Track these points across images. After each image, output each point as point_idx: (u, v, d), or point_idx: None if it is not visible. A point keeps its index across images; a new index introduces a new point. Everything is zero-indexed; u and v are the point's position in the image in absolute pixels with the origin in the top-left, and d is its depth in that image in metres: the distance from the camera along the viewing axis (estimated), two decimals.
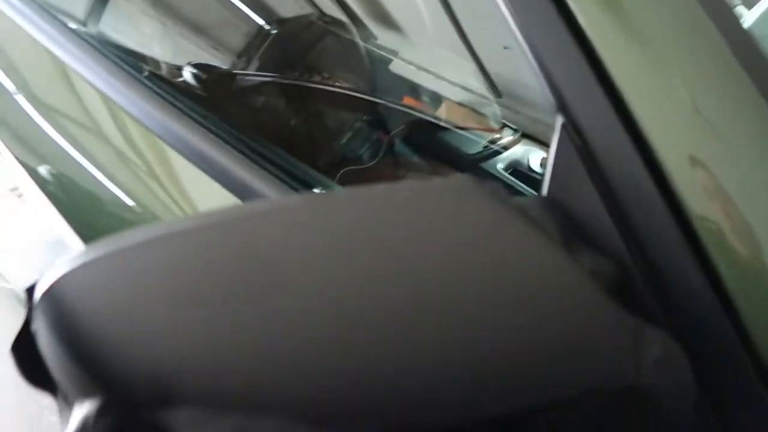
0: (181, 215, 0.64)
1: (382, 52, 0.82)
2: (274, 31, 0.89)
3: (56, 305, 0.27)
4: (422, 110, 0.78)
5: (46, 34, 0.80)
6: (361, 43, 0.86)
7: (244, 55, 0.90)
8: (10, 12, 0.79)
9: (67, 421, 0.30)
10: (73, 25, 0.83)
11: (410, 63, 0.78)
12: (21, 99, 0.84)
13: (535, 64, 0.39)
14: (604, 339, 0.29)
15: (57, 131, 0.79)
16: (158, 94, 0.73)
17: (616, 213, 0.36)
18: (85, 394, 0.27)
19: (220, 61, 0.89)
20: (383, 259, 0.28)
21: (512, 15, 0.38)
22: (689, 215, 0.34)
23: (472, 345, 0.27)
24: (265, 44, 0.90)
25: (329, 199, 0.31)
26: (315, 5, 0.90)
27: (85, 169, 0.75)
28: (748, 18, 0.82)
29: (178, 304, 0.25)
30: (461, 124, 0.75)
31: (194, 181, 0.64)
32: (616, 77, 0.36)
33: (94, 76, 0.78)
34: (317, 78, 0.86)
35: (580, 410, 0.29)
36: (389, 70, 0.80)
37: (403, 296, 0.27)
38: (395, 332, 0.26)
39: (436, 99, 0.79)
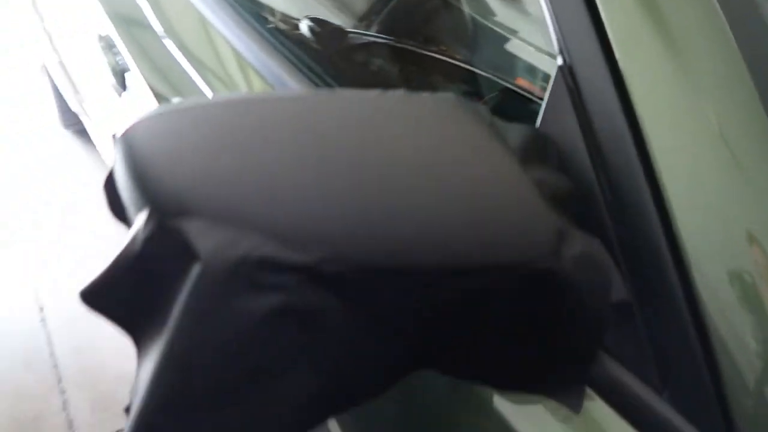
0: None
1: (501, 30, 0.80)
2: None
3: (129, 144, 0.38)
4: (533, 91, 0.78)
5: None
6: (480, 19, 0.86)
7: (365, 18, 0.97)
8: None
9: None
10: None
11: (529, 44, 0.78)
12: (168, 42, 0.99)
13: (548, 13, 0.44)
14: (531, 224, 0.35)
15: (194, 73, 0.92)
16: (275, 45, 0.84)
17: (592, 146, 0.41)
18: (140, 210, 0.38)
19: (340, 19, 0.96)
20: (377, 143, 0.37)
21: None
22: (652, 149, 0.38)
23: (426, 206, 0.35)
24: (386, 9, 0.96)
25: (350, 95, 0.41)
26: None
27: None
28: None
29: (224, 145, 0.35)
30: None
31: None
32: (611, 33, 0.41)
33: (225, 29, 0.91)
34: (431, 48, 0.92)
35: (502, 287, 0.35)
36: (505, 48, 0.79)
37: (387, 169, 0.36)
38: (380, 187, 0.35)
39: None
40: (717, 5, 0.39)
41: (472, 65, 0.84)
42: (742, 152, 0.37)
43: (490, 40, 0.84)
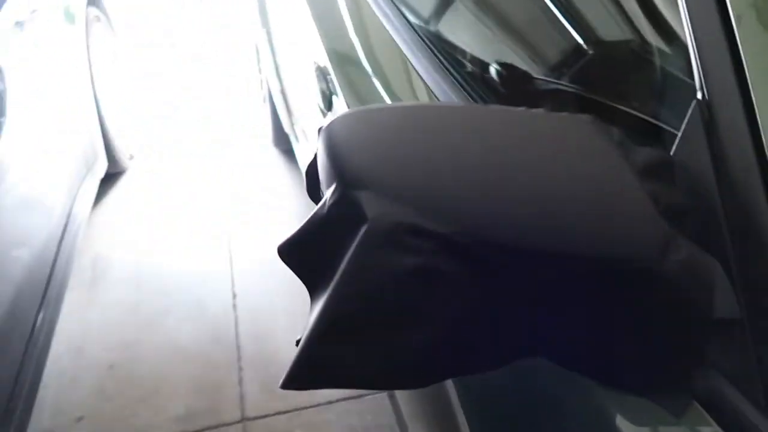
0: None
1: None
2: (591, 53, 0.95)
3: (329, 133, 0.51)
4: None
5: (394, 28, 1.09)
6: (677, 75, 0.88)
7: (556, 69, 0.98)
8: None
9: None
10: (416, 22, 1.09)
11: None
12: (373, 78, 1.13)
13: (692, 51, 0.49)
14: (642, 228, 0.40)
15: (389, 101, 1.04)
16: (463, 85, 0.92)
17: (721, 173, 0.45)
18: (331, 185, 0.50)
19: (530, 67, 1.00)
20: (519, 148, 0.46)
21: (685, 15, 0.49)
22: None
23: (552, 200, 0.42)
24: (579, 63, 0.96)
25: (512, 114, 0.50)
26: (639, 33, 0.94)
27: None
28: None
29: (404, 140, 0.47)
30: None
31: None
32: (749, 72, 0.45)
33: (422, 69, 1.03)
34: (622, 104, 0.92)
35: (609, 280, 0.41)
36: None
37: (524, 168, 0.44)
38: (515, 180, 0.43)
39: None
40: None
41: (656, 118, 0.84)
42: None
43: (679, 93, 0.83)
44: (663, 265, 0.40)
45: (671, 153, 0.49)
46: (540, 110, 0.49)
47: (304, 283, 0.55)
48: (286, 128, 2.28)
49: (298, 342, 0.53)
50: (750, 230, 0.42)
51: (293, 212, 2.41)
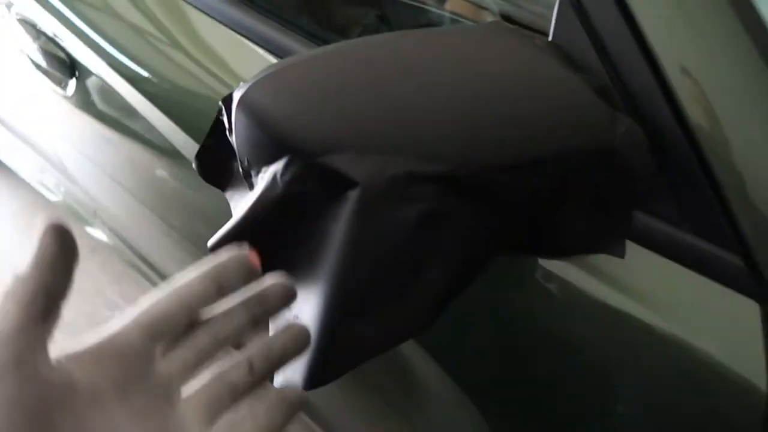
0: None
1: None
2: None
3: (250, 104, 0.43)
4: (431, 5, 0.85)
5: None
6: None
7: None
8: None
9: (254, 186, 0.46)
10: None
11: None
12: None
13: None
14: (589, 113, 0.45)
15: None
16: None
17: (600, 49, 0.52)
18: (272, 161, 0.44)
19: None
20: (449, 71, 0.45)
21: None
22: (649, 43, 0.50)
23: (515, 115, 0.44)
24: None
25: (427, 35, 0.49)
26: None
27: None
28: None
29: (341, 88, 0.42)
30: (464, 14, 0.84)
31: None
32: None
33: None
34: None
35: (575, 164, 0.46)
36: None
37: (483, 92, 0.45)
38: (482, 107, 0.44)
39: None
40: None
41: None
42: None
43: None
44: (616, 139, 0.46)
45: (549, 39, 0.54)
46: (451, 27, 0.49)
47: None
48: None
49: None
50: (639, 94, 0.50)
51: None
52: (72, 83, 1.00)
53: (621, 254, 0.52)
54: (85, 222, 1.45)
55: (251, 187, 0.47)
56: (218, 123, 0.49)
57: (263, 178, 0.44)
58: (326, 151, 0.41)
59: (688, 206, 0.50)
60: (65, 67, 0.99)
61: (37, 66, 1.06)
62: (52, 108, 1.15)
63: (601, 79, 0.50)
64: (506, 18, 0.72)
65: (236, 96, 0.44)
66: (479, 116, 0.43)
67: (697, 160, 0.49)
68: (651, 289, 0.53)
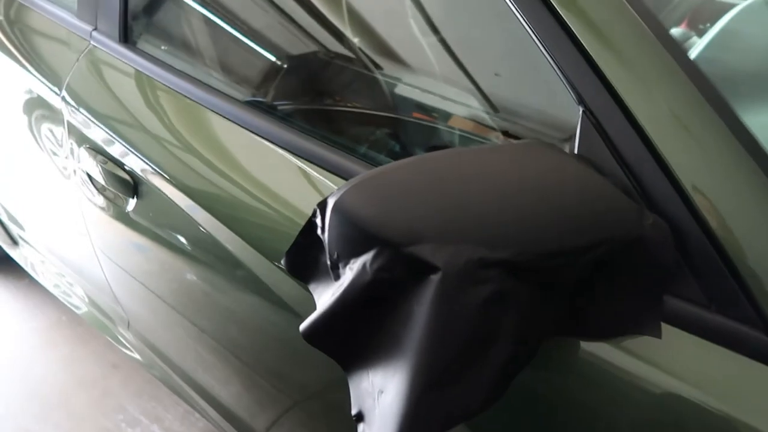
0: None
1: (387, 78, 0.95)
2: (285, 66, 1.05)
3: (342, 207, 0.52)
4: (433, 122, 0.93)
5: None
6: (366, 72, 0.98)
7: (262, 87, 1.05)
8: None
9: (339, 276, 0.54)
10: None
11: (414, 86, 0.93)
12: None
13: (560, 75, 0.65)
14: (621, 209, 0.55)
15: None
16: None
17: (621, 162, 0.62)
18: (361, 253, 0.52)
19: (241, 93, 1.04)
20: (505, 177, 0.55)
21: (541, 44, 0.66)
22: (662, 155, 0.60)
23: (559, 213, 0.53)
24: (279, 77, 1.05)
25: (480, 149, 0.59)
26: (321, 45, 1.03)
27: None
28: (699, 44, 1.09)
29: (420, 191, 0.51)
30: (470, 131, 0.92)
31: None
32: (613, 82, 0.63)
33: None
34: (329, 101, 0.99)
35: (607, 251, 0.54)
36: (395, 92, 0.93)
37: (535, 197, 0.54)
38: (535, 208, 0.53)
39: (445, 116, 0.92)
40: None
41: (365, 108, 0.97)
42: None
43: (378, 86, 0.96)
44: (644, 230, 0.55)
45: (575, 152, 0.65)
46: (500, 144, 0.59)
47: (339, 358, 0.55)
48: None
49: (357, 417, 0.54)
50: (656, 201, 0.60)
51: None
52: (132, 201, 1.09)
53: (658, 335, 0.59)
54: (113, 335, 1.49)
55: (337, 278, 0.54)
56: (310, 224, 0.57)
57: (352, 269, 0.53)
58: (410, 242, 0.50)
59: (715, 290, 0.57)
60: (127, 186, 1.08)
61: (94, 184, 1.16)
62: (93, 222, 1.23)
63: (625, 183, 0.60)
64: (505, 132, 0.82)
65: (331, 200, 0.53)
66: (531, 212, 0.53)
67: (717, 252, 0.57)
68: (686, 366, 0.59)
